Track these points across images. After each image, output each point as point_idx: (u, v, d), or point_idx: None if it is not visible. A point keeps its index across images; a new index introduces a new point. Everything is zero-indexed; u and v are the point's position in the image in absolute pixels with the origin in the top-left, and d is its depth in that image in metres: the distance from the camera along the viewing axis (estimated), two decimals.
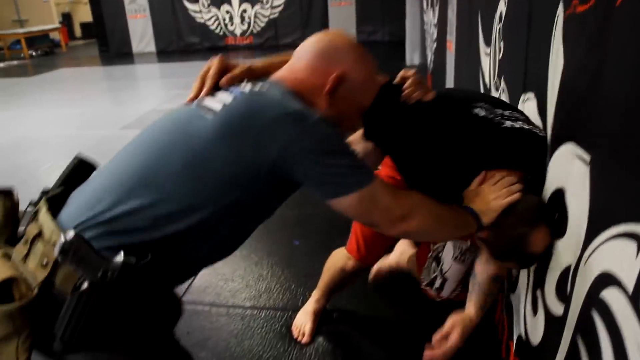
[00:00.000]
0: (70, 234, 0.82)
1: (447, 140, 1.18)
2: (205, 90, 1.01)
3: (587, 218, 0.88)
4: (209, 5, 9.45)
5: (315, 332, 1.81)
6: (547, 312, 1.10)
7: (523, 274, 1.33)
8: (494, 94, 1.87)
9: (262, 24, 9.43)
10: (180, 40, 9.82)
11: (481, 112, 1.19)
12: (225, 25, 9.57)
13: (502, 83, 1.70)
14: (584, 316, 0.86)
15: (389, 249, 1.97)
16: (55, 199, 0.96)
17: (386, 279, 2.05)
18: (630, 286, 0.71)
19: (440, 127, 1.19)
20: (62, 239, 0.82)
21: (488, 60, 2.02)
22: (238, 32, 9.57)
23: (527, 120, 1.21)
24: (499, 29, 1.79)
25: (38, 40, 11.00)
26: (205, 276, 2.23)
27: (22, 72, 8.88)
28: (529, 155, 1.16)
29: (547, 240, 1.08)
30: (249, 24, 9.49)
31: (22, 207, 1.02)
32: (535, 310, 1.22)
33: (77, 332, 0.82)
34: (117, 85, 7.37)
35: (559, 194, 1.05)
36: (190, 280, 2.15)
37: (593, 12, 0.88)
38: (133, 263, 0.83)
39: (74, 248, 0.82)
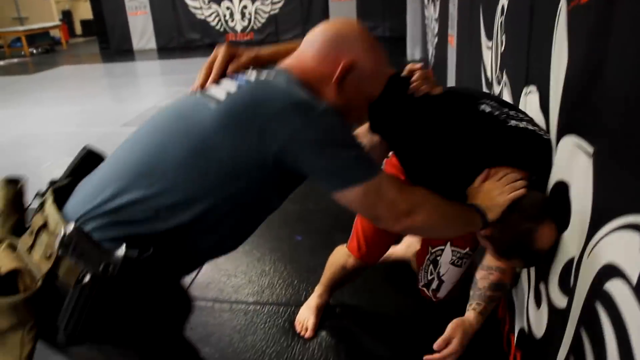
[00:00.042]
0: (70, 227, 0.82)
1: (453, 133, 1.17)
2: (211, 78, 1.00)
3: (590, 210, 0.88)
4: (209, 2, 9.44)
5: (318, 327, 1.82)
6: (551, 305, 1.10)
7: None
8: (496, 87, 1.86)
9: (263, 20, 9.42)
10: (180, 36, 9.80)
11: (487, 109, 1.19)
12: (226, 21, 9.56)
13: (504, 76, 1.69)
14: (588, 308, 0.86)
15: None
16: (63, 190, 0.95)
17: (392, 268, 2.05)
18: (634, 277, 0.71)
19: (446, 120, 1.19)
20: (62, 233, 0.82)
21: (490, 53, 2.01)
22: (239, 28, 9.55)
23: (531, 121, 1.20)
24: (501, 22, 1.78)
25: (38, 37, 11.00)
26: (208, 272, 2.23)
27: (22, 69, 8.88)
28: (533, 155, 1.15)
29: (553, 236, 1.06)
30: (250, 20, 9.47)
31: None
32: (538, 303, 1.21)
33: (80, 325, 0.82)
34: (117, 82, 7.37)
35: (562, 186, 1.04)
36: (193, 277, 2.15)
37: (597, 3, 0.88)
38: (135, 256, 0.82)
39: (74, 242, 0.81)
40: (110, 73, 8.22)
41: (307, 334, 1.79)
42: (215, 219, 0.91)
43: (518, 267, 1.31)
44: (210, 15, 9.57)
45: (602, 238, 0.82)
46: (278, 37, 9.27)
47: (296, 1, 9.12)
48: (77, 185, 0.97)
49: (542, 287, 1.19)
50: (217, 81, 0.99)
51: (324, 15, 8.93)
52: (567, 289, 0.98)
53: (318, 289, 1.86)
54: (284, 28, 9.27)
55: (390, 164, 1.57)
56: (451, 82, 3.46)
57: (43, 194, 0.96)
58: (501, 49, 1.76)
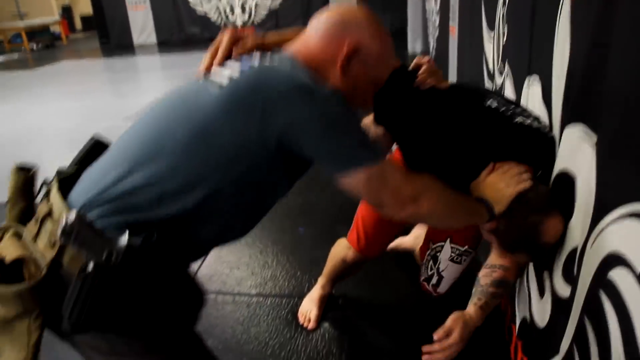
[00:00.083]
0: (72, 215, 0.82)
1: (459, 127, 1.17)
2: (216, 61, 0.99)
3: (593, 199, 0.88)
4: None
5: (321, 318, 1.82)
6: (554, 295, 1.10)
7: None
8: (498, 78, 1.86)
9: (263, 14, 9.38)
10: (181, 31, 9.77)
11: (494, 104, 1.19)
12: (226, 15, 9.52)
13: (506, 67, 1.69)
14: (591, 297, 0.86)
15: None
16: (69, 179, 0.95)
17: (394, 259, 2.06)
18: (638, 265, 0.72)
19: (452, 114, 1.18)
20: (63, 221, 0.81)
21: (492, 44, 2.01)
22: (239, 22, 9.51)
23: (537, 119, 1.20)
24: (503, 13, 1.78)
25: (38, 33, 10.98)
26: (211, 264, 2.24)
27: (23, 65, 8.87)
28: (538, 152, 1.15)
29: (560, 229, 1.05)
30: (250, 14, 9.43)
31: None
32: (542, 293, 1.22)
33: (84, 314, 0.82)
34: (118, 77, 7.36)
35: (565, 176, 1.04)
36: (196, 269, 2.16)
37: None
38: (138, 244, 0.82)
39: (75, 230, 0.81)
40: (111, 68, 8.21)
41: (310, 325, 1.79)
42: (219, 205, 0.90)
43: (523, 262, 1.30)
44: (210, 9, 9.53)
45: (605, 227, 0.82)
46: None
47: None
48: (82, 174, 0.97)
49: (545, 276, 1.20)
50: (222, 64, 0.99)
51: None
52: (571, 278, 0.99)
53: (320, 281, 1.87)
54: (284, 22, 9.23)
55: (393, 158, 1.57)
56: (452, 74, 3.46)
57: (50, 183, 0.95)
58: (503, 39, 1.76)
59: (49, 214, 0.89)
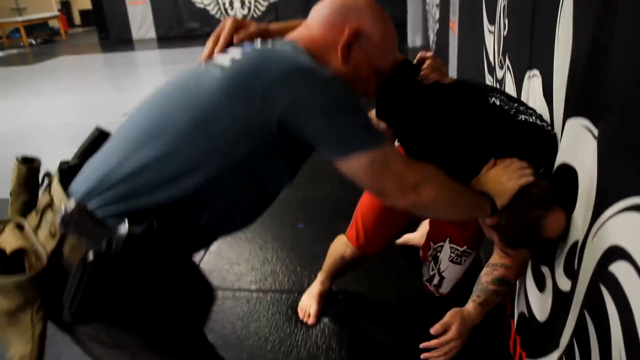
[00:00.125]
0: (71, 204, 0.81)
1: (461, 123, 1.16)
2: (218, 47, 0.99)
3: (595, 192, 0.88)
4: None
5: (321, 313, 1.82)
6: (555, 288, 1.09)
7: None
8: (498, 72, 1.85)
9: (263, 8, 9.36)
10: (180, 26, 9.76)
11: (497, 102, 1.18)
12: (225, 10, 9.50)
13: (507, 61, 1.68)
14: (592, 291, 0.86)
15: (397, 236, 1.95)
16: (71, 170, 0.94)
17: (394, 255, 2.06)
18: (639, 259, 0.71)
19: (455, 109, 1.17)
20: (63, 210, 0.81)
21: (492, 38, 2.00)
22: (238, 16, 9.49)
23: (540, 117, 1.19)
24: (504, 6, 1.77)
25: (37, 28, 10.95)
26: (211, 260, 2.24)
27: (21, 60, 8.85)
28: (540, 150, 1.14)
29: (562, 224, 1.04)
30: (249, 8, 9.41)
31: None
32: (541, 288, 1.21)
33: (85, 304, 0.81)
34: (117, 72, 7.34)
35: (567, 169, 1.04)
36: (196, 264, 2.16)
37: None
38: (139, 233, 0.80)
39: (75, 219, 0.80)
40: (110, 63, 8.19)
41: (310, 321, 1.79)
42: (220, 190, 0.88)
43: (524, 257, 1.29)
44: (209, 3, 9.51)
45: (607, 220, 0.81)
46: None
47: None
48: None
49: (545, 270, 1.19)
50: (224, 50, 0.98)
51: None
52: (571, 272, 0.98)
53: (320, 277, 1.87)
54: (284, 16, 9.20)
55: None
56: (453, 68, 3.44)
57: (51, 175, 0.95)
58: (504, 32, 1.75)
59: (50, 204, 0.88)
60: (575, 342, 0.95)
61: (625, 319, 0.74)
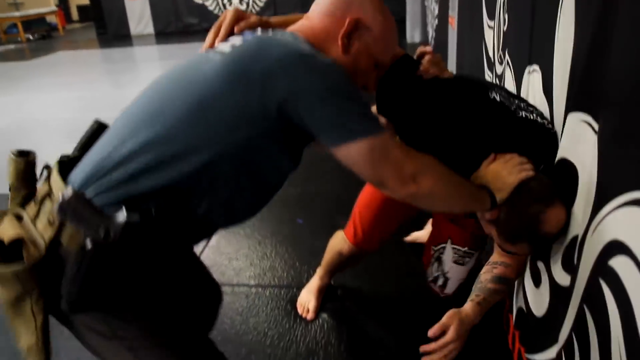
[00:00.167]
0: (68, 191, 0.81)
1: (462, 117, 1.15)
2: (219, 37, 0.99)
3: (595, 187, 0.87)
4: None
5: (320, 308, 1.82)
6: (553, 283, 1.10)
7: None
8: (498, 67, 1.85)
9: (261, 4, 9.32)
10: (178, 21, 9.72)
11: (497, 97, 1.18)
12: (224, 5, 9.46)
13: (507, 56, 1.68)
14: (592, 285, 0.86)
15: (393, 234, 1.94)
16: (71, 162, 0.94)
17: (393, 251, 2.06)
18: (639, 253, 0.71)
19: (455, 104, 1.17)
20: (60, 198, 0.80)
21: (492, 33, 1.99)
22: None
23: (541, 115, 1.19)
24: (504, 1, 1.76)
25: (35, 23, 10.90)
26: (210, 255, 2.23)
27: (19, 56, 8.81)
28: (540, 148, 1.14)
29: (562, 219, 1.04)
30: (248, 3, 9.37)
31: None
32: (537, 282, 1.22)
33: (83, 292, 0.81)
34: (115, 68, 7.32)
35: (567, 163, 1.04)
36: None
37: None
38: (136, 220, 0.80)
39: (72, 206, 0.80)
40: (108, 58, 8.16)
41: (309, 316, 1.79)
42: (217, 177, 0.87)
43: (524, 253, 1.28)
44: None
45: (607, 215, 0.81)
46: (275, 14, 9.17)
47: None
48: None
49: (540, 266, 1.19)
50: (225, 41, 0.98)
51: None
52: (571, 267, 0.98)
53: (319, 272, 1.87)
54: (282, 12, 9.17)
55: None
56: (452, 64, 3.44)
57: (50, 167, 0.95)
58: (504, 27, 1.75)
59: (49, 194, 0.88)
60: (574, 336, 0.95)
61: (625, 314, 0.74)
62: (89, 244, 0.79)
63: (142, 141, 0.85)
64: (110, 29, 9.98)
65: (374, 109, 1.26)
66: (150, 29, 9.84)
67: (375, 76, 1.06)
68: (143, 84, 0.98)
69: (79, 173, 0.89)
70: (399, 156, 0.89)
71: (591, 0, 0.93)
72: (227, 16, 1.02)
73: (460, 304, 1.24)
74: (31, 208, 0.90)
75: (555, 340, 1.05)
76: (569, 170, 1.02)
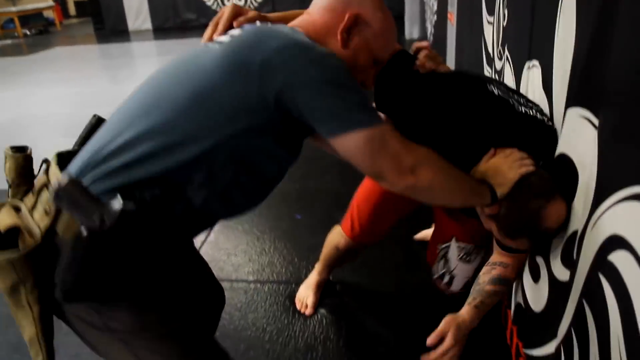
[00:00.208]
0: (64, 178, 0.80)
1: (460, 110, 1.15)
2: (217, 32, 0.99)
3: (595, 182, 0.87)
4: None
5: (319, 304, 1.83)
6: (552, 279, 1.10)
7: None
8: (497, 63, 1.84)
9: (260, 0, 9.29)
10: (176, 17, 9.68)
11: (496, 91, 1.17)
12: (222, 0, 9.43)
13: (506, 51, 1.68)
14: (591, 280, 0.86)
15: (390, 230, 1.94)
16: (70, 156, 0.94)
17: (392, 246, 2.06)
18: (639, 248, 0.71)
19: (453, 97, 1.17)
20: (56, 185, 0.80)
21: (491, 29, 1.99)
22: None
23: (541, 111, 1.19)
24: None
25: (32, 18, 10.85)
26: (208, 251, 2.23)
27: (16, 51, 8.78)
28: (539, 144, 1.13)
29: (563, 214, 1.03)
30: (246, 0, 9.34)
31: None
32: (536, 278, 1.22)
33: (77, 281, 0.80)
34: (113, 63, 7.29)
35: (567, 159, 1.04)
36: None
37: None
38: (132, 208, 0.79)
39: (67, 193, 0.80)
40: (106, 54, 8.13)
41: (308, 311, 1.80)
42: (214, 166, 0.87)
43: (523, 248, 1.28)
44: None
45: (606, 210, 0.81)
46: (274, 11, 9.15)
47: None
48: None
49: (540, 261, 1.19)
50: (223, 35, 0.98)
51: None
52: (570, 262, 0.98)
53: (317, 267, 1.87)
54: (280, 8, 9.10)
55: None
56: (450, 61, 3.43)
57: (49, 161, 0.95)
58: (503, 23, 1.74)
59: (46, 185, 0.88)
60: (573, 331, 0.95)
61: (624, 308, 0.74)
62: (84, 232, 0.79)
63: (139, 131, 0.85)
64: (107, 25, 9.93)
65: (372, 105, 1.26)
66: (148, 24, 9.80)
67: (374, 73, 1.06)
68: (141, 79, 0.98)
69: (76, 163, 0.89)
70: (396, 147, 0.88)
71: None
72: (225, 12, 1.02)
73: (460, 303, 1.23)
74: (29, 199, 0.90)
75: (554, 336, 1.05)
76: (568, 166, 1.02)
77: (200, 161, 0.86)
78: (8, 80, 6.26)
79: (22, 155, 0.94)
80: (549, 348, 1.10)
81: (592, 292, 0.86)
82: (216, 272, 2.06)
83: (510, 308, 1.52)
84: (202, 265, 1.14)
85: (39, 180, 0.91)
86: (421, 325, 1.20)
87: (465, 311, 1.21)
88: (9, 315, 0.89)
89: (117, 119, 0.92)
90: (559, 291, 1.04)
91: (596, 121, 0.88)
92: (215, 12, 10.18)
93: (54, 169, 0.89)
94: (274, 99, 0.84)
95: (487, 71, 2.08)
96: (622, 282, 0.75)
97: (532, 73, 1.35)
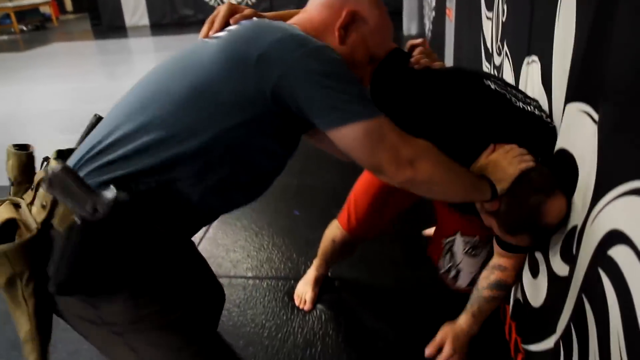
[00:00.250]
0: (57, 165, 0.80)
1: (456, 104, 1.15)
2: (213, 30, 0.99)
3: (594, 177, 0.87)
4: None
5: (317, 300, 1.83)
6: (551, 274, 1.10)
7: None
8: (496, 58, 1.84)
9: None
10: (174, 12, 9.64)
11: (492, 85, 1.17)
12: None
13: (505, 47, 1.67)
14: (591, 275, 0.86)
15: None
16: (69, 153, 0.95)
17: (390, 241, 2.05)
18: (639, 242, 0.71)
19: (450, 92, 1.16)
20: (49, 171, 0.80)
21: (490, 24, 1.98)
22: (234, 0, 9.38)
23: (539, 107, 1.18)
24: None
25: (28, 14, 10.79)
26: (206, 247, 2.23)
27: (13, 47, 8.73)
28: (538, 140, 1.13)
29: (563, 209, 1.03)
30: None
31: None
32: (535, 273, 1.22)
33: (72, 273, 0.80)
34: (111, 59, 7.26)
35: (566, 154, 1.03)
36: None
37: None
38: (126, 199, 0.79)
39: (60, 180, 0.79)
40: (103, 50, 8.10)
41: (306, 307, 1.80)
42: (212, 158, 0.87)
43: (525, 245, 1.28)
44: None
45: (606, 204, 0.81)
46: (273, 11, 9.12)
47: None
48: None
49: (539, 257, 1.19)
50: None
51: None
52: (570, 257, 0.98)
53: (315, 262, 1.87)
54: (278, 3, 9.11)
55: None
56: (449, 57, 3.43)
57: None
58: (502, 18, 1.74)
59: (43, 180, 0.88)
60: (572, 326, 0.95)
61: (624, 303, 0.75)
62: (77, 221, 0.79)
63: (136, 125, 0.86)
64: (104, 20, 9.89)
65: None
66: (145, 20, 9.76)
67: (371, 70, 1.06)
68: (138, 75, 0.98)
69: (73, 158, 0.90)
70: (395, 140, 0.88)
71: None
72: (221, 10, 1.02)
73: (460, 300, 1.23)
74: (28, 195, 0.91)
75: (553, 331, 1.06)
76: (568, 161, 1.02)
77: (197, 155, 0.86)
78: (5, 76, 6.23)
79: (25, 153, 0.95)
80: (548, 343, 1.10)
81: (591, 287, 0.86)
82: (215, 269, 2.05)
83: (508, 304, 1.52)
84: (201, 262, 1.14)
85: (38, 176, 0.91)
86: (420, 321, 1.20)
87: (462, 319, 1.20)
88: (6, 312, 0.89)
89: (115, 114, 0.92)
90: (558, 286, 1.04)
91: (596, 116, 0.88)
92: (212, 8, 10.15)
93: (52, 163, 0.89)
94: (271, 92, 0.84)
95: (486, 67, 2.08)
96: (622, 276, 0.75)
97: (532, 68, 1.35)
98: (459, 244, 1.52)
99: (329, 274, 1.91)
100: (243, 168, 0.92)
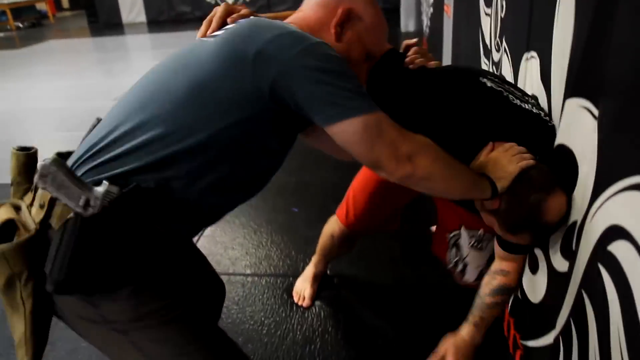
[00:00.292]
0: (49, 158, 0.80)
1: (453, 103, 1.14)
2: (210, 30, 1.00)
3: (594, 172, 0.87)
4: None
5: (317, 297, 1.83)
6: (551, 270, 1.10)
7: None
8: (495, 55, 1.84)
9: None
10: (171, 9, 9.63)
11: (488, 83, 1.16)
12: None
13: (504, 43, 1.67)
14: (590, 270, 0.86)
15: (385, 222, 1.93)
16: (69, 155, 0.94)
17: (389, 238, 2.05)
18: (639, 238, 0.71)
19: (445, 90, 1.16)
20: (41, 164, 0.80)
21: (489, 20, 1.98)
22: (230, 0, 9.36)
23: (536, 105, 1.18)
24: None
25: (25, 11, 10.76)
26: (205, 244, 2.23)
27: (9, 44, 8.70)
28: (536, 138, 1.12)
29: (564, 207, 1.02)
30: None
31: None
32: (534, 269, 1.22)
33: (69, 271, 0.79)
34: (108, 57, 7.24)
35: (566, 149, 1.03)
36: None
37: None
38: (118, 192, 0.79)
39: (51, 172, 0.79)
40: (100, 47, 8.08)
41: (305, 304, 1.80)
42: (210, 156, 0.87)
43: (527, 243, 1.27)
44: None
45: (606, 200, 0.81)
46: (270, 10, 9.12)
47: None
48: None
49: (538, 253, 1.19)
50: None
51: None
52: (569, 252, 0.98)
53: (314, 259, 1.87)
54: (276, 1, 9.11)
55: None
56: (447, 54, 3.42)
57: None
58: (501, 14, 1.73)
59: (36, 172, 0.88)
60: (572, 322, 0.95)
61: (624, 298, 0.74)
62: (72, 217, 0.79)
63: (135, 123, 0.86)
64: (101, 17, 9.87)
65: None
66: (142, 17, 9.75)
67: (367, 68, 1.07)
68: (135, 73, 0.99)
69: (72, 158, 0.90)
70: (394, 135, 0.87)
71: None
72: (219, 10, 1.03)
73: (460, 298, 1.23)
74: (28, 197, 0.90)
75: (553, 327, 1.06)
76: (568, 156, 1.01)
77: (195, 152, 0.86)
78: (1, 74, 6.21)
79: (23, 154, 0.94)
80: (547, 339, 1.10)
81: (591, 282, 0.86)
82: (213, 266, 2.05)
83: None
84: (200, 257, 1.14)
85: (36, 179, 0.90)
86: (419, 318, 1.20)
87: (464, 331, 1.20)
88: (5, 310, 0.89)
89: (115, 114, 0.92)
90: (557, 282, 1.04)
91: (596, 111, 0.88)
92: (209, 5, 10.21)
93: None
94: (268, 89, 0.84)
95: (485, 63, 2.08)
96: (622, 272, 0.75)
97: (530, 64, 1.34)
98: (465, 237, 1.52)
99: (328, 271, 1.91)
100: (241, 165, 0.91)
